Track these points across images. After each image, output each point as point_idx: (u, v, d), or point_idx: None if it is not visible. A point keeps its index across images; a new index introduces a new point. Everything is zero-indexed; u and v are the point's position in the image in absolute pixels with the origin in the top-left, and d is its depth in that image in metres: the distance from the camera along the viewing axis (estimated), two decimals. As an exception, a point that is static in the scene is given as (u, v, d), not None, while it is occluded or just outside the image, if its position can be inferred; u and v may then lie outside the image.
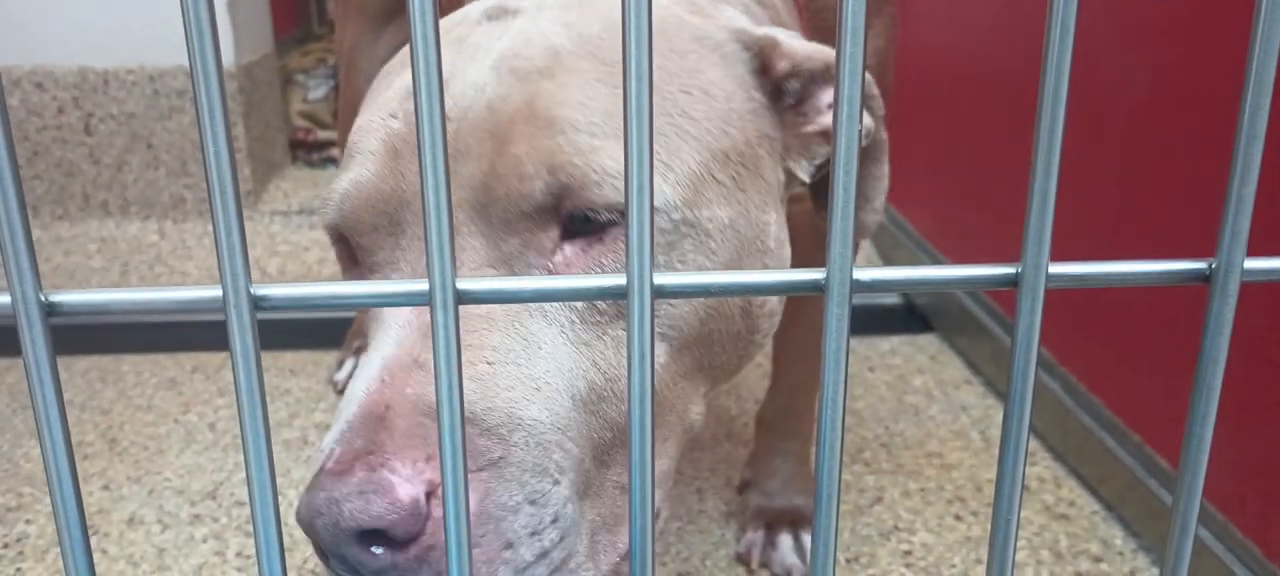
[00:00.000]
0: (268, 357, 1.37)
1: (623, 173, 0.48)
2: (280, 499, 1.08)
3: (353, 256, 0.56)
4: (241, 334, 0.31)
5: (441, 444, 0.33)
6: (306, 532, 0.45)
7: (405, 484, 0.44)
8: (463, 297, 0.32)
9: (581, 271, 0.51)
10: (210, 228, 1.80)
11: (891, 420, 1.20)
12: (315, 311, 0.31)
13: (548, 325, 0.50)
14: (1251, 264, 0.32)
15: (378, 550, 0.44)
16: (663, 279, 0.32)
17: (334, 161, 2.07)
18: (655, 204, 0.49)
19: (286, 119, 2.10)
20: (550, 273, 0.51)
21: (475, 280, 0.32)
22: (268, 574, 0.36)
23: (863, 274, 0.32)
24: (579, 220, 0.50)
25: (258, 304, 0.31)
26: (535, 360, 0.49)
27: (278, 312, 0.31)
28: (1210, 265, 0.32)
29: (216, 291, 0.31)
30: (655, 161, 0.47)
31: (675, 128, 0.53)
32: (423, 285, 0.32)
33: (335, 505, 0.43)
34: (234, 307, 0.31)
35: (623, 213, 0.49)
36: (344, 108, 1.25)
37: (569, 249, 0.51)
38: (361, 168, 0.53)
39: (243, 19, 1.81)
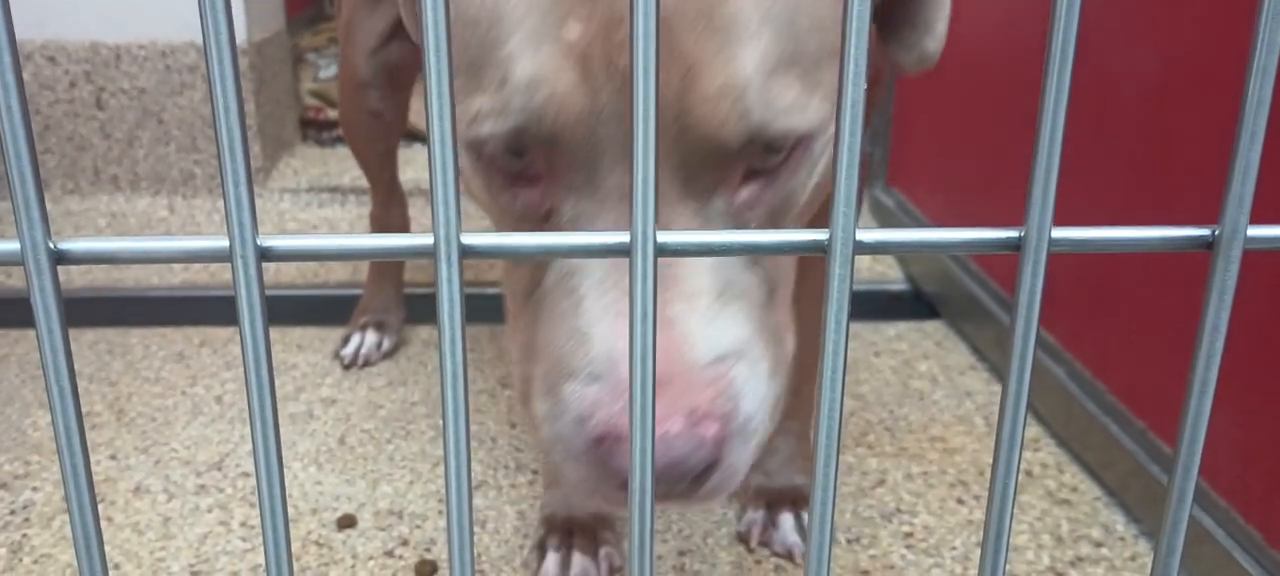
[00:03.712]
0: (275, 333, 1.37)
1: (799, 103, 0.51)
2: (285, 470, 1.08)
3: (516, 174, 0.54)
4: (247, 285, 0.32)
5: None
6: (609, 474, 0.50)
7: (719, 435, 0.51)
8: (466, 251, 0.32)
9: (764, 208, 0.54)
10: (220, 204, 1.80)
11: (896, 404, 1.20)
12: (321, 260, 0.31)
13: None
14: (1256, 231, 0.32)
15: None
16: (666, 237, 0.32)
17: (343, 140, 2.07)
18: (814, 126, 0.52)
19: (297, 97, 2.10)
20: (735, 210, 0.54)
21: (480, 237, 0.32)
22: (272, 531, 0.36)
23: (866, 235, 0.32)
24: (759, 156, 0.52)
25: (264, 255, 0.32)
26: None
27: (284, 262, 0.32)
28: (1213, 232, 0.32)
29: (223, 242, 0.31)
30: (808, 79, 0.51)
31: (818, 38, 0.52)
32: (428, 239, 0.32)
33: (676, 466, 0.50)
34: (241, 258, 0.31)
35: (800, 138, 0.53)
36: (343, 82, 1.25)
37: (752, 186, 0.54)
38: (555, 78, 0.50)
39: (254, -4, 1.81)
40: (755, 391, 0.54)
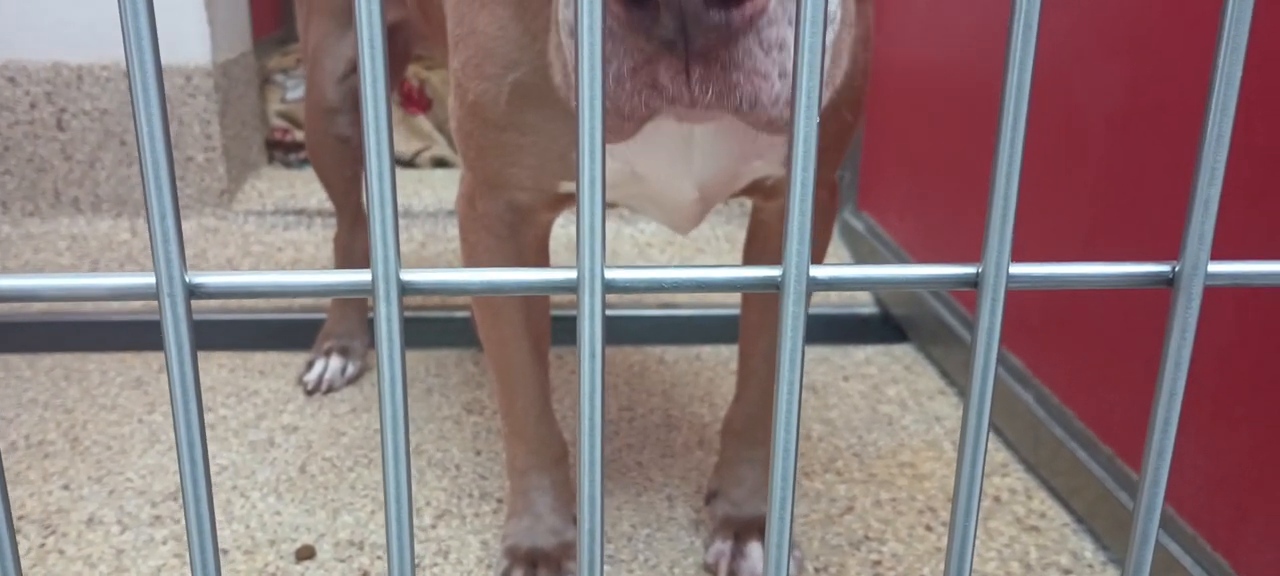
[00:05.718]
0: (237, 358, 1.35)
1: None
2: (243, 500, 1.06)
3: None
4: (175, 324, 0.30)
5: None
6: None
7: None
8: (406, 289, 0.31)
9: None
10: (185, 228, 1.77)
11: (864, 429, 1.20)
12: (252, 299, 0.30)
13: None
14: (1216, 267, 0.32)
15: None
16: (614, 273, 0.31)
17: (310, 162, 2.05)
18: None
19: (264, 118, 2.08)
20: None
21: (421, 272, 0.31)
22: (200, 566, 0.35)
23: (820, 271, 0.32)
24: None
25: (193, 292, 0.30)
26: None
27: (214, 301, 0.30)
28: (1174, 268, 0.32)
29: (149, 278, 0.30)
30: None
31: None
32: (366, 276, 0.31)
33: None
34: (167, 295, 0.30)
35: None
36: (309, 107, 1.24)
37: None
38: None
39: (220, 17, 1.79)
40: None
